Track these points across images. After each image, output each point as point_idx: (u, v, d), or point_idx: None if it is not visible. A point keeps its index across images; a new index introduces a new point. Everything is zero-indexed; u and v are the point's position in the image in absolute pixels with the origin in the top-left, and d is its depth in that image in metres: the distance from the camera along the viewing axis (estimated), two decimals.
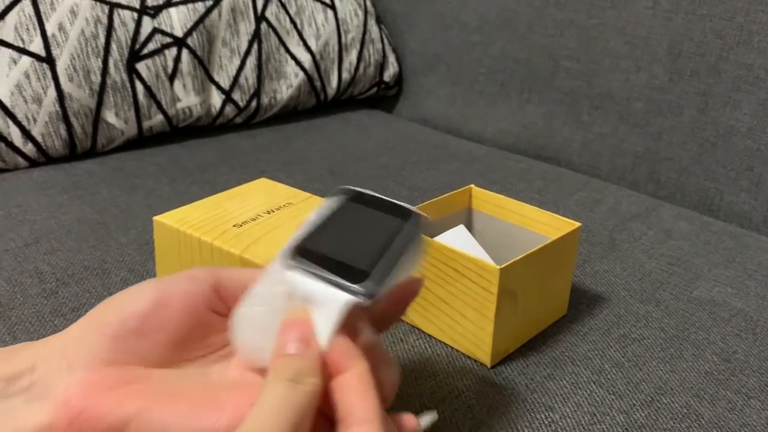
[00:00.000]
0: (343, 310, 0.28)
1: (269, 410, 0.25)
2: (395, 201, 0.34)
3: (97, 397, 0.29)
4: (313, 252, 0.30)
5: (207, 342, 0.32)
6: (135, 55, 0.79)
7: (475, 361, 0.45)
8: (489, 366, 0.45)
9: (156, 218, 0.45)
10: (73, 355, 0.30)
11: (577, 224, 0.49)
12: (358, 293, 0.28)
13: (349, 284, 0.29)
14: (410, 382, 0.43)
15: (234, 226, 0.44)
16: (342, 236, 0.32)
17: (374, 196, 0.34)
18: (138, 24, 0.80)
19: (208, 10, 0.86)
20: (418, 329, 0.48)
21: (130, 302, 0.31)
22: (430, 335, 0.48)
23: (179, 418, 0.28)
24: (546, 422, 0.40)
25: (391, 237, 0.31)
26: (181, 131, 0.87)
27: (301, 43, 0.94)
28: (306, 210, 0.47)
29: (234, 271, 0.33)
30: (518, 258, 0.43)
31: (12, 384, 0.29)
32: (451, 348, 0.47)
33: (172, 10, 0.83)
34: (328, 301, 0.29)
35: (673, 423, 0.41)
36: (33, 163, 0.75)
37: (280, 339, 0.28)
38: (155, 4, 0.82)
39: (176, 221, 0.45)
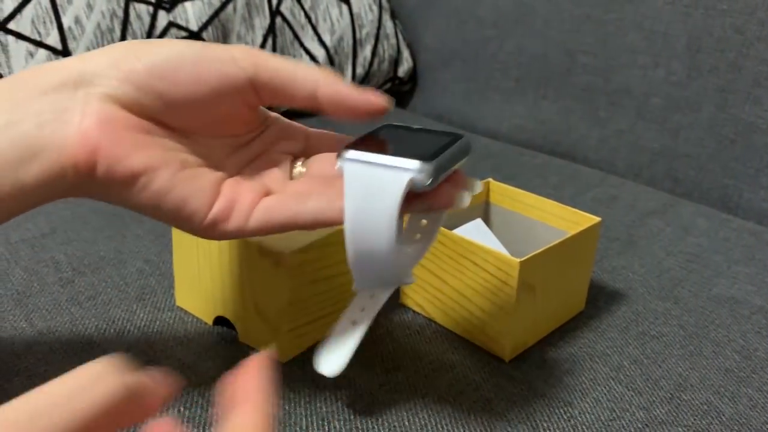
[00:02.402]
0: (403, 188, 0.29)
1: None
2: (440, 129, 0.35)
3: (113, 134, 0.30)
4: (369, 145, 0.32)
5: (224, 129, 0.34)
6: None
7: (493, 355, 0.45)
8: (507, 360, 0.44)
9: None
10: (99, 81, 0.31)
11: (597, 219, 0.48)
12: (418, 172, 0.29)
13: (409, 164, 0.29)
14: (427, 375, 0.43)
15: None
16: (394, 139, 0.33)
17: (419, 127, 0.36)
18: (153, 18, 0.80)
19: (223, 5, 0.86)
20: (436, 322, 0.48)
21: (165, 51, 0.32)
22: (447, 328, 0.47)
23: (187, 191, 0.30)
24: (565, 417, 0.40)
25: (441, 143, 0.32)
26: None
27: (315, 38, 0.94)
28: None
29: (275, 60, 0.33)
30: (538, 252, 0.43)
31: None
32: (469, 342, 0.46)
33: (188, 5, 0.83)
34: (389, 182, 0.29)
35: (694, 419, 0.41)
36: None
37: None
38: None
39: None
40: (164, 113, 0.32)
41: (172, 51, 0.32)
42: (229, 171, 0.35)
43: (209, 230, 0.33)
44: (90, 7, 0.76)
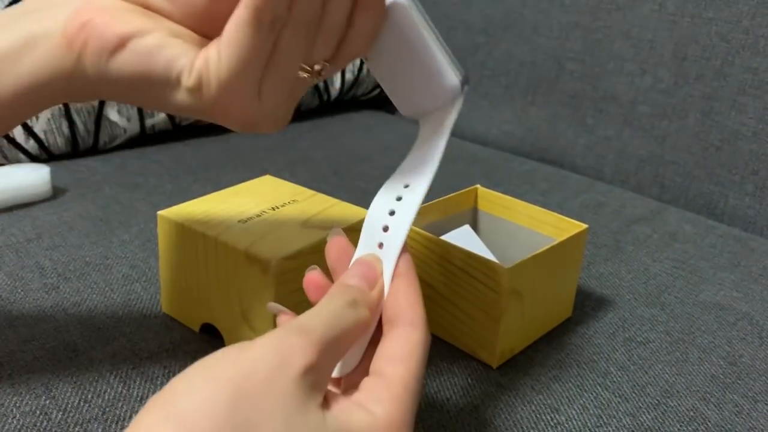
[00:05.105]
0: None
1: (324, 317, 0.28)
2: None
3: (103, 10, 0.31)
4: None
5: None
6: None
7: (480, 361, 0.45)
8: (494, 366, 0.44)
9: (160, 213, 0.45)
10: None
11: (584, 226, 0.48)
12: None
13: None
14: None
15: (239, 221, 0.44)
16: None
17: None
18: None
19: None
20: None
21: None
22: (435, 335, 0.47)
23: (177, 50, 0.31)
24: (551, 424, 0.40)
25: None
26: (183, 130, 0.87)
27: None
28: (311, 207, 0.47)
29: None
30: (526, 258, 0.43)
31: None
32: (457, 348, 0.46)
33: None
34: None
35: (680, 426, 0.41)
36: (35, 160, 0.75)
37: (348, 270, 0.31)
38: None
39: (180, 216, 0.44)
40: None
41: None
42: None
43: (195, 92, 0.31)
44: None
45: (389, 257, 0.32)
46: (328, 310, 0.28)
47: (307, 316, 0.28)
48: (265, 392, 0.24)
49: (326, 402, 0.26)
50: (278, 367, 0.25)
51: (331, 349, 0.27)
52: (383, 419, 0.27)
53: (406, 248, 0.32)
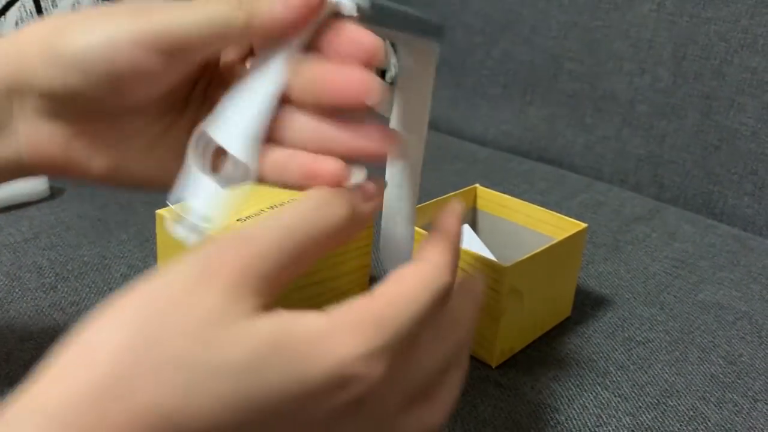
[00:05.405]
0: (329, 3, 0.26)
1: (281, 220, 0.24)
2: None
3: (60, 148, 0.29)
4: None
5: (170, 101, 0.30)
6: None
7: (480, 360, 0.45)
8: (493, 366, 0.44)
9: (159, 212, 0.45)
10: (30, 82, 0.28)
11: (584, 225, 0.48)
12: None
13: None
14: None
15: (237, 220, 0.44)
16: None
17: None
18: None
19: None
20: None
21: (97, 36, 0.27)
22: None
23: (159, 172, 0.30)
24: (551, 423, 0.40)
25: (408, 9, 0.30)
26: None
27: None
28: None
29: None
30: (525, 257, 0.43)
31: None
32: None
33: None
34: None
35: (680, 425, 0.41)
36: None
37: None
38: None
39: (179, 215, 0.44)
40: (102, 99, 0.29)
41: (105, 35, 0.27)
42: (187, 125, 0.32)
43: None
44: (75, 9, 0.75)
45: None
46: (290, 213, 0.24)
47: (260, 221, 0.24)
48: (176, 307, 0.21)
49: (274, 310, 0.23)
50: (197, 279, 0.21)
51: (283, 253, 0.23)
52: (344, 326, 0.22)
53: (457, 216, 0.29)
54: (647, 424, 0.41)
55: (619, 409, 0.42)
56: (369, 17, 0.27)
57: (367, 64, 0.26)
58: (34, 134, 0.30)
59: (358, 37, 0.26)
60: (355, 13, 0.26)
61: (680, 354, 0.48)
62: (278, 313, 0.22)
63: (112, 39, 0.27)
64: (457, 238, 0.28)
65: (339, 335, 0.22)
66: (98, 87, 0.27)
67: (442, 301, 0.25)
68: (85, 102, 0.28)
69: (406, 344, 0.24)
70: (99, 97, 0.28)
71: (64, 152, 0.30)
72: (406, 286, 0.24)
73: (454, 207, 0.29)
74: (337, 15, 0.27)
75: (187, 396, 0.20)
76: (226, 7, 0.26)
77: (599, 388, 0.43)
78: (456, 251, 0.28)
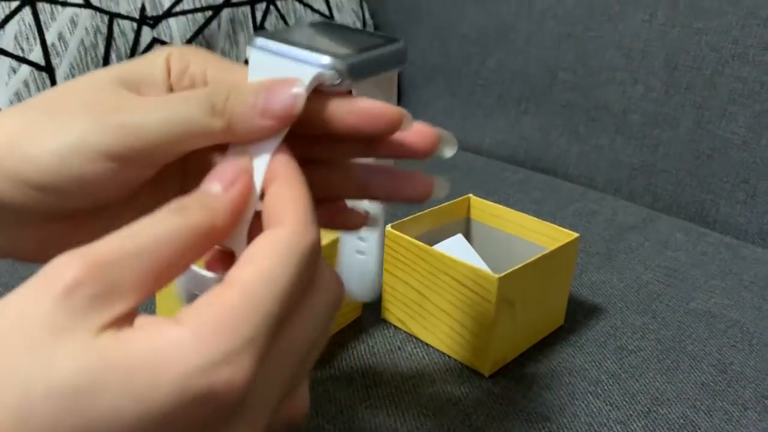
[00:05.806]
0: (307, 83, 0.26)
1: (128, 229, 0.21)
2: (375, 32, 0.32)
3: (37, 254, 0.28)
4: (283, 37, 0.28)
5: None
6: None
7: (473, 370, 0.45)
8: (487, 375, 0.45)
9: None
10: None
11: (576, 235, 0.49)
12: (329, 67, 0.26)
13: (320, 58, 0.26)
14: (408, 390, 0.43)
15: None
16: (317, 34, 0.30)
17: (353, 27, 0.32)
18: (137, 34, 0.80)
19: (207, 21, 0.86)
20: (416, 338, 0.48)
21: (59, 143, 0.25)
22: (427, 344, 0.48)
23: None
24: None
25: (369, 44, 0.29)
26: None
27: None
28: None
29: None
30: (517, 267, 0.44)
31: None
32: (449, 357, 0.47)
33: (172, 21, 0.84)
34: (293, 76, 0.26)
35: None
36: None
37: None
38: (155, 14, 0.82)
39: None
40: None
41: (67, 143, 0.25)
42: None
43: None
44: (74, 23, 0.76)
45: (260, 160, 0.26)
46: (139, 224, 0.22)
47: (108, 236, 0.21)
48: (11, 325, 0.19)
49: (126, 323, 0.20)
50: (33, 294, 0.20)
51: (127, 261, 0.20)
52: (190, 333, 0.20)
53: (284, 149, 0.26)
54: None
55: (611, 418, 0.42)
56: (350, 77, 0.27)
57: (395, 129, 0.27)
58: (5, 241, 0.28)
59: (381, 111, 0.27)
60: (336, 81, 0.26)
61: (671, 362, 0.48)
62: (127, 325, 0.20)
63: (64, 154, 0.25)
64: (303, 185, 0.25)
65: (188, 344, 0.19)
66: (56, 200, 0.26)
67: (309, 264, 0.23)
68: (46, 211, 0.26)
69: (274, 329, 0.21)
70: (59, 205, 0.26)
71: (44, 249, 0.28)
72: (263, 264, 0.21)
73: (280, 158, 0.25)
74: (320, 86, 0.27)
75: (21, 419, 0.18)
76: (197, 111, 0.25)
77: (591, 397, 0.44)
78: (308, 199, 0.24)
